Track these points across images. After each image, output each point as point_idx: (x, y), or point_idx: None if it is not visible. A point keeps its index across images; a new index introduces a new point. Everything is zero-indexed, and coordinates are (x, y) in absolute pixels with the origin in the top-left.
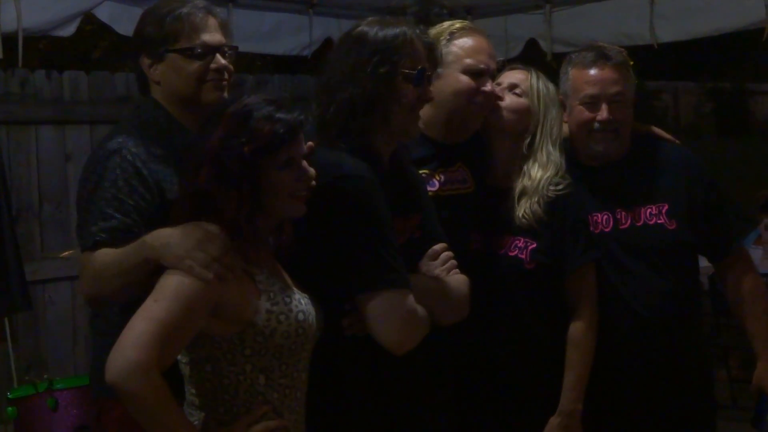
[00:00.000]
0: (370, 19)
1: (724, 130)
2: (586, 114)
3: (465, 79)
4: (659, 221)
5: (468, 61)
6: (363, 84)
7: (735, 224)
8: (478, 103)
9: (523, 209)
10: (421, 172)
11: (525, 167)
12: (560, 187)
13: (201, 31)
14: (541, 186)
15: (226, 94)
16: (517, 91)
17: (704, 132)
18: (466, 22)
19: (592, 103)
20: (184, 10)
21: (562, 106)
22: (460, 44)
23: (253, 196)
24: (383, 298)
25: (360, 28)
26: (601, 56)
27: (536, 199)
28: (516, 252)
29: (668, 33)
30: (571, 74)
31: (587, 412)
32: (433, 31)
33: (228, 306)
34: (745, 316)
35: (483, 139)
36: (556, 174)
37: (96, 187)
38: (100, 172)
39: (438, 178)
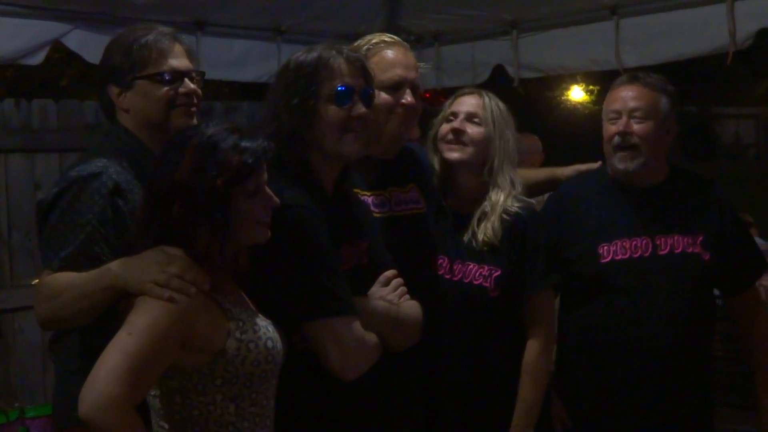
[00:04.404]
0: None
1: (690, 153)
2: (610, 129)
3: (382, 96)
4: (695, 251)
5: (382, 77)
6: (281, 118)
7: (758, 263)
8: (399, 114)
9: (483, 232)
10: (371, 194)
11: (488, 193)
12: (521, 203)
13: (168, 57)
14: (500, 207)
15: (195, 120)
16: (476, 119)
17: (671, 155)
18: (382, 36)
19: (615, 118)
20: (150, 37)
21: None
22: (373, 62)
23: (225, 226)
24: (329, 325)
25: (289, 59)
26: (635, 77)
27: (495, 219)
28: (480, 281)
29: (634, 58)
30: (607, 95)
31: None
32: None
33: (198, 337)
34: (755, 350)
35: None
36: (517, 192)
37: (70, 209)
38: (75, 193)
39: (389, 197)
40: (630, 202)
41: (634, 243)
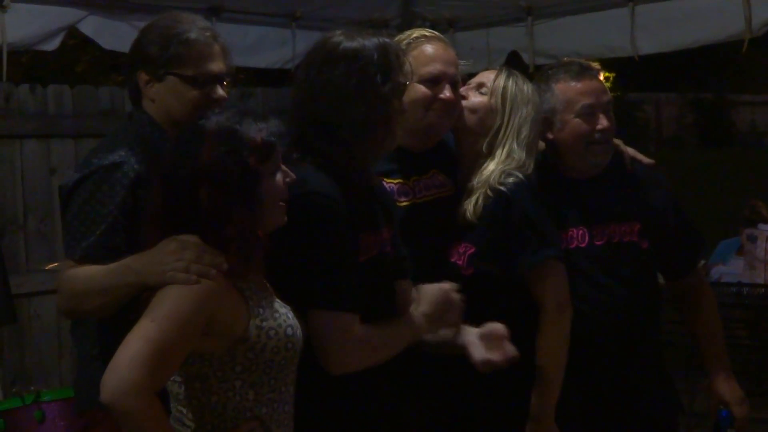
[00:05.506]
0: (341, 31)
1: (706, 140)
2: (585, 126)
3: (421, 89)
4: (633, 239)
5: (421, 71)
6: (370, 104)
7: (698, 246)
8: (436, 110)
9: (466, 208)
10: (396, 182)
11: (483, 166)
12: (510, 179)
13: (206, 60)
14: (486, 181)
15: None
16: (483, 90)
17: (686, 142)
18: (422, 31)
19: (590, 113)
20: (192, 34)
21: (548, 124)
22: (414, 55)
23: (258, 205)
24: (329, 318)
25: (345, 44)
26: (584, 68)
27: (479, 196)
28: (455, 258)
29: (649, 45)
30: (560, 89)
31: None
32: None
33: (220, 323)
34: (701, 334)
35: (453, 144)
36: (515, 167)
37: (91, 199)
38: (97, 182)
39: (412, 186)
40: (567, 193)
41: (569, 234)
